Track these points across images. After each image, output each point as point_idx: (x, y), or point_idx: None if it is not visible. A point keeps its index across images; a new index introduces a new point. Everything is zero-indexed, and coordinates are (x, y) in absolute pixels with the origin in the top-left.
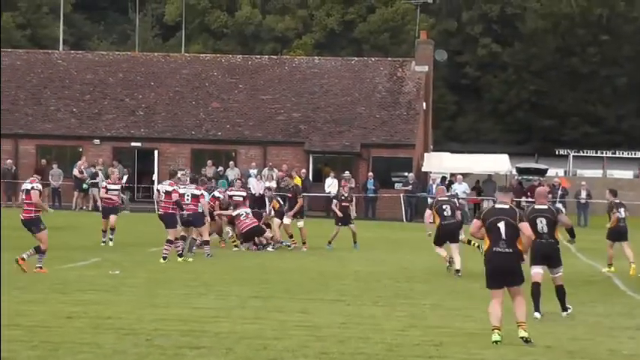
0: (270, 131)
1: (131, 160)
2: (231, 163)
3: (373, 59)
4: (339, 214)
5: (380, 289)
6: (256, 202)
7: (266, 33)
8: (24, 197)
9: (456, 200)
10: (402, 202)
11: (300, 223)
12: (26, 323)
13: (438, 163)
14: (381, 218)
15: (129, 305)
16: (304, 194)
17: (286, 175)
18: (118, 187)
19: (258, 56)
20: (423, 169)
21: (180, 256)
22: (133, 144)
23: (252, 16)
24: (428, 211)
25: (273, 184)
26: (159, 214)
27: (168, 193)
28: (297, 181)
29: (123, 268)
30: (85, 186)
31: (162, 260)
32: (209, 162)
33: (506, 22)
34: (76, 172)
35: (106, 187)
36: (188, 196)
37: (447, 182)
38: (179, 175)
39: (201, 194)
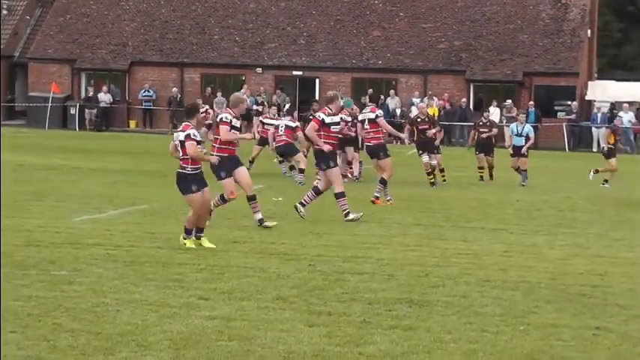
0: (430, 60)
1: (292, 89)
2: (392, 91)
3: None
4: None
5: (542, 218)
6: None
7: None
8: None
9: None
10: (565, 131)
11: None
12: (194, 247)
13: (603, 91)
14: (543, 147)
15: (292, 231)
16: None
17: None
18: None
19: None
20: (587, 97)
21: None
22: (294, 72)
23: None
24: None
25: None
26: (278, 147)
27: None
28: (433, 110)
29: (286, 195)
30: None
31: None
32: (369, 90)
33: None
34: None
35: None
36: (282, 127)
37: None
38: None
39: (297, 126)
